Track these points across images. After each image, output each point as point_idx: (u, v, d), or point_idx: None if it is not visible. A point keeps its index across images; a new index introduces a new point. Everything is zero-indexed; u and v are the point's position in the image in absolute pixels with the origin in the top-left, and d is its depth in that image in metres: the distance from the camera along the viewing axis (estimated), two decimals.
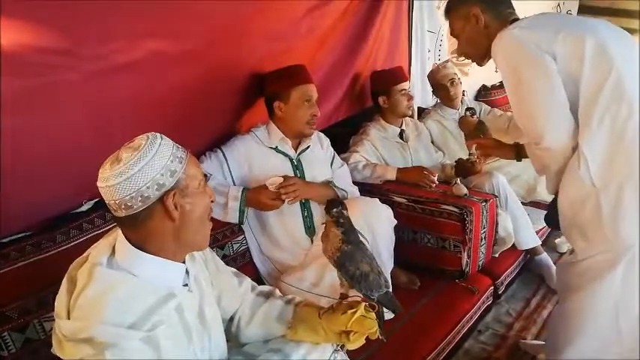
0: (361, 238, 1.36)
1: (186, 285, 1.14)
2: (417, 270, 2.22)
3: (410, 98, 2.68)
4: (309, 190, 2.05)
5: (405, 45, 3.20)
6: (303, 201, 2.07)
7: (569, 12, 5.02)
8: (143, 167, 1.00)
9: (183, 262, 1.14)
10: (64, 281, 1.06)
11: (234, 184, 2.03)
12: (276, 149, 2.08)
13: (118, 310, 0.97)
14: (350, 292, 1.32)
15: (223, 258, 1.97)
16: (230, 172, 2.03)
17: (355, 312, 1.24)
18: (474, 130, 2.42)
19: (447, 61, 3.18)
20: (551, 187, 1.57)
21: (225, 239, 1.99)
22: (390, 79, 2.66)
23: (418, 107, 3.35)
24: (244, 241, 2.07)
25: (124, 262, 1.05)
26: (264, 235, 2.09)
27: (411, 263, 2.23)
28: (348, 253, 1.23)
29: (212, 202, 1.16)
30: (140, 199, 1.00)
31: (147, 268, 1.05)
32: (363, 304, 1.26)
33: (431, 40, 3.46)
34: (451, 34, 1.78)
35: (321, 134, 2.30)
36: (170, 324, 1.04)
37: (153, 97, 1.72)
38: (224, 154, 2.03)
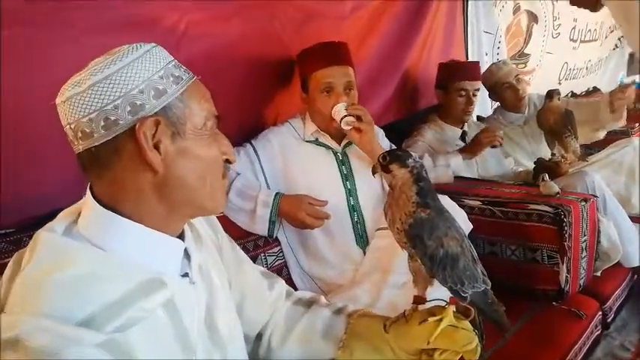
0: None
1: (186, 275, 0.76)
2: (498, 290, 1.72)
3: (470, 102, 2.28)
4: (374, 139, 1.66)
5: (461, 45, 2.86)
6: (352, 203, 1.68)
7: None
8: (112, 75, 0.65)
9: (181, 239, 0.77)
10: (9, 264, 0.71)
11: (268, 187, 1.66)
12: (316, 142, 1.72)
13: (67, 297, 0.60)
14: (429, 292, 0.90)
15: None
16: (262, 170, 1.67)
17: (440, 320, 0.82)
18: (561, 120, 1.96)
19: (504, 61, 2.77)
20: None
21: (256, 250, 1.61)
22: (451, 73, 2.28)
23: (477, 116, 2.94)
24: (281, 254, 1.68)
25: (87, 228, 0.69)
26: (305, 247, 1.69)
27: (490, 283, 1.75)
28: (426, 220, 0.82)
29: (228, 161, 0.80)
30: (103, 123, 0.65)
31: (121, 239, 0.68)
32: (452, 308, 0.84)
33: (488, 41, 3.10)
34: None
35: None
36: (152, 325, 0.66)
37: None
38: (255, 150, 1.68)
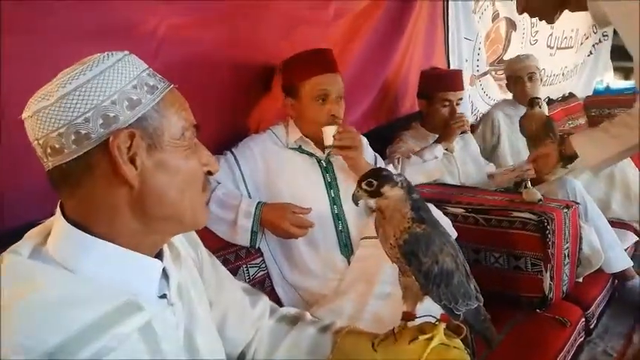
0: None
1: (164, 296, 0.72)
2: (483, 299, 1.72)
3: (454, 112, 2.27)
4: (363, 162, 1.62)
5: (442, 52, 2.86)
6: (337, 211, 1.65)
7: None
8: (82, 86, 0.61)
9: (159, 258, 0.72)
10: None
11: (250, 196, 1.62)
12: (299, 149, 1.68)
13: (35, 324, 0.56)
14: (418, 307, 0.87)
15: None
16: (244, 179, 1.63)
17: (431, 339, 0.80)
18: (542, 128, 1.97)
19: (528, 55, 2.74)
20: None
21: (238, 261, 1.57)
22: (434, 83, 2.28)
23: None
24: (263, 265, 1.64)
25: (57, 249, 0.64)
26: (288, 257, 1.65)
27: None
28: (422, 236, 0.79)
29: (210, 172, 0.76)
30: (74, 137, 0.61)
31: (94, 261, 0.64)
32: (443, 325, 0.81)
33: (468, 48, 3.11)
34: None
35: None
36: (128, 351, 0.61)
37: None
38: (236, 158, 1.63)
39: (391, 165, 2.08)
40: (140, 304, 0.64)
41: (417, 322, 0.86)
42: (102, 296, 0.62)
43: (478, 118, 3.32)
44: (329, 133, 1.54)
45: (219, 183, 1.57)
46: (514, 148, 2.59)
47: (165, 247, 0.76)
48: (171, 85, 0.71)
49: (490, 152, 2.74)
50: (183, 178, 0.70)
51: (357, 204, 0.87)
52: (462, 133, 2.24)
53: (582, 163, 1.40)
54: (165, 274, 0.73)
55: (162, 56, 1.34)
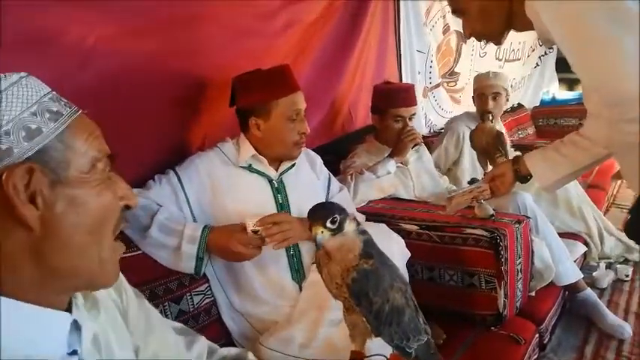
0: None
1: (74, 353, 0.62)
2: (438, 318, 1.67)
3: (406, 127, 2.22)
4: (307, 231, 1.48)
5: (394, 64, 2.86)
6: None
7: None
8: None
9: (68, 311, 0.63)
10: None
11: (194, 220, 1.51)
12: (249, 168, 1.60)
13: None
14: (368, 346, 0.81)
15: (179, 316, 1.43)
16: (187, 200, 1.51)
17: None
18: (492, 142, 1.97)
19: (497, 74, 2.71)
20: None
21: (182, 289, 1.46)
22: (387, 99, 2.24)
23: None
24: (209, 292, 1.53)
25: None
26: (236, 282, 1.55)
27: (429, 309, 1.68)
28: (371, 273, 0.73)
29: (128, 207, 0.67)
30: None
31: None
32: None
33: (420, 60, 3.13)
34: (453, 11, 1.33)
35: (311, 152, 1.81)
36: None
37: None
38: (179, 178, 1.51)
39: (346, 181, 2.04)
40: None
41: None
42: None
43: (432, 130, 3.35)
44: (249, 223, 1.41)
45: (160, 206, 1.46)
46: (474, 163, 2.59)
47: (78, 294, 0.67)
48: (80, 111, 0.62)
49: (451, 166, 2.73)
50: (93, 219, 0.61)
51: (319, 247, 0.78)
52: (414, 146, 2.21)
53: (537, 182, 1.38)
54: (77, 325, 0.64)
55: (91, 69, 1.23)
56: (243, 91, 1.56)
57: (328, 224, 0.75)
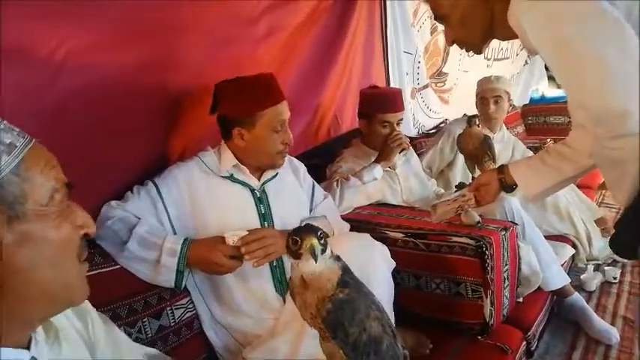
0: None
1: None
2: (425, 327, 1.66)
3: (393, 131, 2.20)
4: (282, 244, 1.41)
5: (381, 66, 2.83)
6: None
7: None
8: None
9: (27, 348, 0.60)
10: None
11: (174, 231, 1.48)
12: (231, 178, 1.56)
13: None
14: None
15: (160, 331, 1.40)
16: (167, 212, 1.48)
17: None
18: (480, 146, 1.95)
19: (500, 77, 2.68)
20: (626, 195, 1.06)
21: (162, 303, 1.43)
22: (374, 105, 2.20)
23: None
24: (191, 305, 1.51)
25: None
26: (218, 295, 1.52)
27: (416, 318, 1.69)
28: (346, 302, 0.70)
29: (86, 235, 0.64)
30: None
31: None
32: None
33: (408, 61, 3.11)
34: (435, 17, 1.30)
35: (294, 159, 1.78)
36: None
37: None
38: (158, 189, 1.48)
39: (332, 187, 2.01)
40: None
41: None
42: None
43: (420, 131, 3.33)
44: (229, 240, 1.38)
45: (139, 218, 1.43)
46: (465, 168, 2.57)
47: (39, 329, 0.64)
48: (33, 140, 0.59)
49: (445, 168, 2.71)
50: (54, 251, 0.59)
51: (316, 260, 0.74)
52: (401, 151, 2.19)
53: (522, 192, 1.37)
54: None
55: (62, 84, 1.19)
56: (226, 100, 1.52)
57: (319, 241, 0.72)
